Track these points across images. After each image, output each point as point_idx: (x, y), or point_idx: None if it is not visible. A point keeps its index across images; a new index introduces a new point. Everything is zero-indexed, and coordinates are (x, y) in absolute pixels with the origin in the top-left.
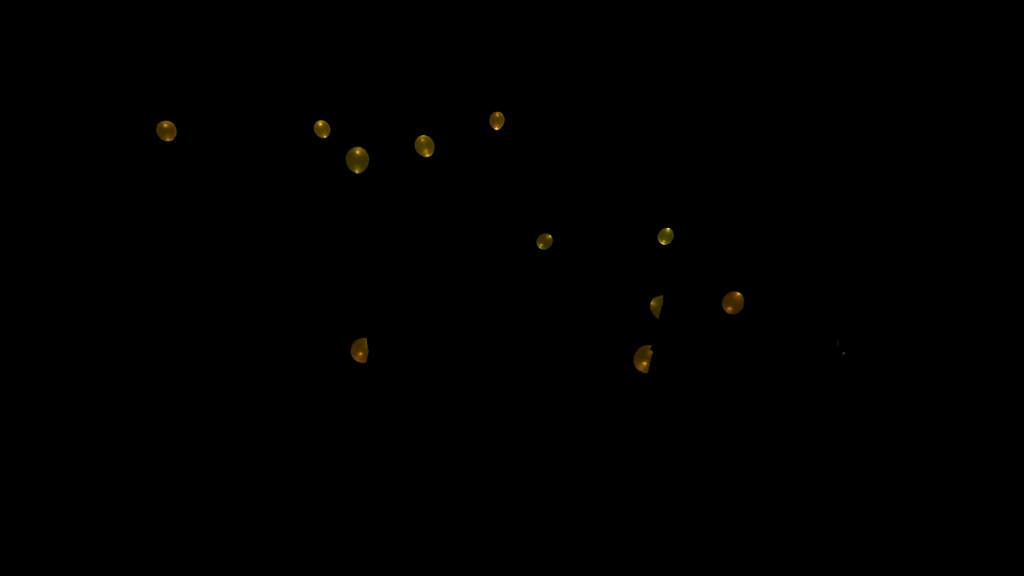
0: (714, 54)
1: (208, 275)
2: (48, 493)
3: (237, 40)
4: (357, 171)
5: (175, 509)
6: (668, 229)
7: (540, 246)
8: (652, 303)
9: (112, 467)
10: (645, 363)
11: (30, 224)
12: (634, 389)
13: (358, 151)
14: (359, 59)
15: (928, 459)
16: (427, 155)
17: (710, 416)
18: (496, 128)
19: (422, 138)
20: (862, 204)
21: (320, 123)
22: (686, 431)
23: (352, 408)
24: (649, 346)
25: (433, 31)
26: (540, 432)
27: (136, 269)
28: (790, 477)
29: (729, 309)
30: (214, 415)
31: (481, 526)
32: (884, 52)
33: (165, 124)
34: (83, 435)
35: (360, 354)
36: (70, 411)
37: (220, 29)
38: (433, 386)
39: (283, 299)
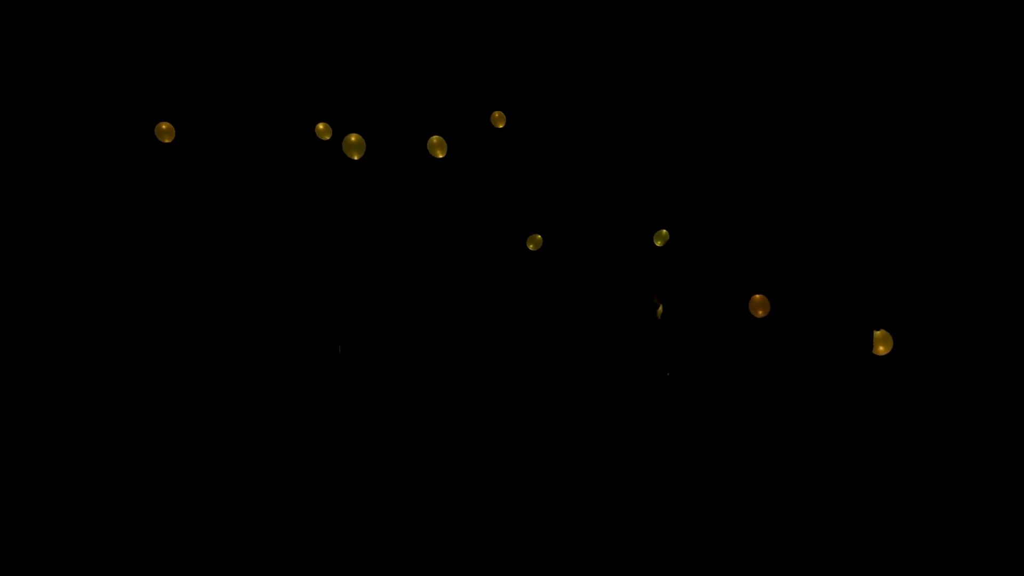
0: (714, 55)
1: (207, 275)
2: (34, 487)
3: (237, 40)
4: (355, 157)
5: (165, 506)
6: (664, 231)
7: (530, 247)
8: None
9: (105, 462)
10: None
11: (29, 224)
12: (633, 391)
13: (353, 137)
14: (358, 59)
15: (947, 459)
16: (440, 156)
17: (729, 416)
18: (499, 126)
19: (435, 139)
20: (870, 202)
21: (321, 125)
22: (696, 433)
23: (349, 407)
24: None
25: (432, 30)
26: (538, 434)
27: (134, 269)
28: (807, 477)
29: (760, 313)
30: (215, 413)
31: (483, 528)
32: (885, 51)
33: (164, 125)
34: (81, 431)
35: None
36: (68, 407)
37: (220, 29)
38: (427, 385)
39: (282, 298)
